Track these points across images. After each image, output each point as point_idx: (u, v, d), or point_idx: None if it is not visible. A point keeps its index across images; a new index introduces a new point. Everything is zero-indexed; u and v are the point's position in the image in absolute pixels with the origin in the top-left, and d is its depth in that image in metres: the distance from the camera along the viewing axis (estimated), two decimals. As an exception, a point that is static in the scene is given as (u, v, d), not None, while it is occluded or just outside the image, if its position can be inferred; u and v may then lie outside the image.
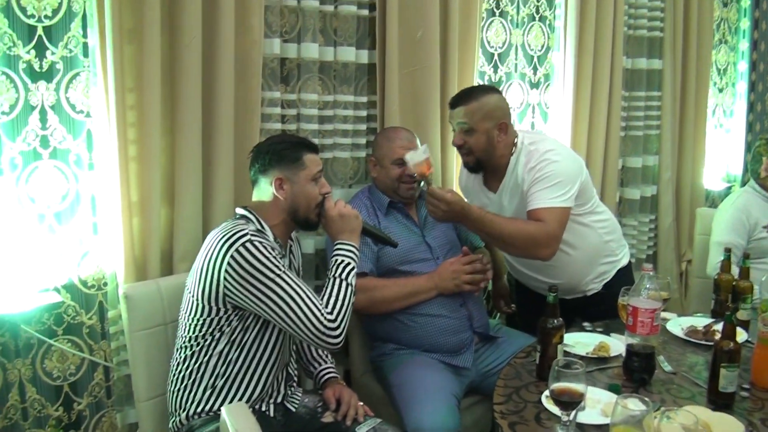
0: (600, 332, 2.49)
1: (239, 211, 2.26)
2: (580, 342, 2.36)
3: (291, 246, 2.37)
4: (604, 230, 2.81)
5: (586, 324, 2.56)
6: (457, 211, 2.48)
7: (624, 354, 2.14)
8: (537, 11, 3.83)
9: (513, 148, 2.67)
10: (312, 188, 2.25)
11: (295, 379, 2.40)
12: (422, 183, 2.56)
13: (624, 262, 2.89)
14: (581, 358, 2.21)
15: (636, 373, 2.08)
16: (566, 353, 2.17)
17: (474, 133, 2.62)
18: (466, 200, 2.58)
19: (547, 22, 3.88)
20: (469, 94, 2.66)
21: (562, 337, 2.10)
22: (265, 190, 2.23)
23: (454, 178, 3.27)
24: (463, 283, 2.63)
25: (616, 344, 2.31)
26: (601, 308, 2.61)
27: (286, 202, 2.22)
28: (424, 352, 2.64)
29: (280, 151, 2.22)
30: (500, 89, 2.78)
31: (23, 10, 2.30)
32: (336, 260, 2.19)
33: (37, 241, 2.42)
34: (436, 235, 2.82)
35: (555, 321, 2.08)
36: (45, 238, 2.44)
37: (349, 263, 2.18)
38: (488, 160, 2.68)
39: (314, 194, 2.25)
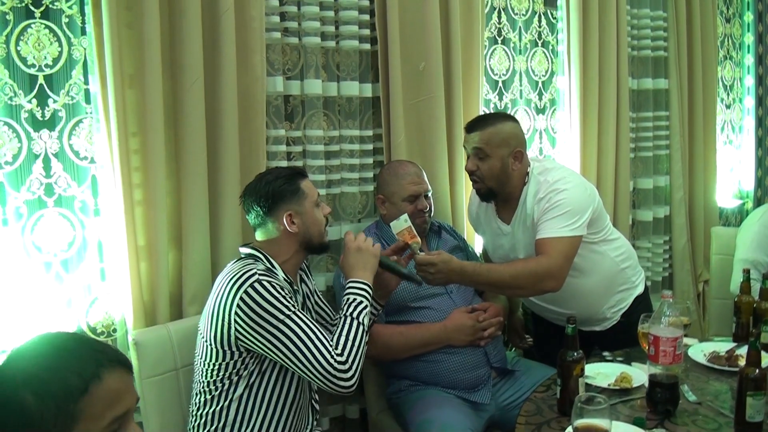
0: (621, 361, 2.42)
1: (245, 250, 2.23)
2: (601, 373, 2.30)
3: (301, 276, 2.34)
4: (620, 257, 2.75)
5: (606, 353, 2.50)
6: (452, 271, 2.40)
7: (647, 384, 2.08)
8: (539, 37, 3.82)
9: (526, 178, 2.63)
10: (318, 213, 2.24)
11: (318, 410, 2.36)
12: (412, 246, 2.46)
13: (640, 289, 2.83)
14: (603, 390, 2.16)
15: (660, 404, 2.01)
16: (588, 386, 2.12)
17: (488, 159, 2.58)
18: (455, 258, 2.47)
19: (550, 47, 3.87)
20: (486, 120, 2.64)
21: (582, 370, 2.04)
22: (273, 229, 2.20)
23: (464, 209, 3.23)
24: (478, 339, 2.59)
25: (638, 374, 2.25)
26: (621, 339, 2.56)
27: (299, 235, 2.20)
28: (441, 388, 2.58)
29: (280, 188, 2.18)
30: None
31: (23, 60, 2.30)
32: (348, 299, 2.15)
33: (45, 290, 2.40)
34: (448, 268, 2.75)
35: (575, 353, 2.03)
36: (52, 286, 2.42)
37: (361, 302, 2.14)
38: (500, 189, 2.63)
39: (321, 218, 2.25)
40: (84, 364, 1.15)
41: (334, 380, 1.98)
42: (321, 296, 2.49)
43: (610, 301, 2.75)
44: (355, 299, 2.14)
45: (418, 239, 2.43)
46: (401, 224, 2.44)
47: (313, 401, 2.32)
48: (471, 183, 2.72)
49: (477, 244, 3.31)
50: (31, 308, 2.35)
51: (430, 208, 2.79)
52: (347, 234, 2.27)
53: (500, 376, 2.69)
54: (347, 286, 2.19)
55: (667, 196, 4.37)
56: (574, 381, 2.03)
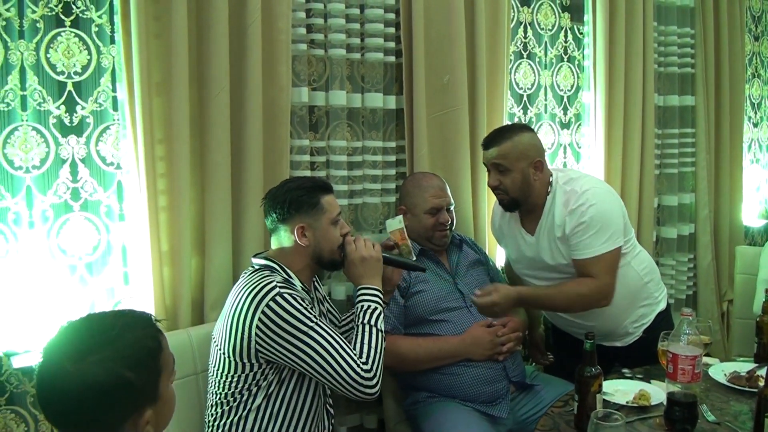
0: (640, 379, 2.40)
1: (258, 261, 2.21)
2: (620, 390, 2.28)
3: (314, 282, 2.35)
4: (643, 271, 2.73)
5: (625, 370, 2.48)
6: (511, 301, 2.52)
7: (665, 403, 2.06)
8: (565, 52, 3.82)
9: (549, 188, 2.63)
10: (333, 231, 2.23)
11: (333, 414, 2.36)
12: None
13: (663, 305, 2.80)
14: (621, 407, 2.14)
15: (678, 423, 1.99)
16: (605, 402, 2.11)
17: (509, 173, 2.58)
18: (509, 288, 2.58)
19: (576, 62, 3.87)
20: (501, 134, 2.63)
21: (600, 386, 2.03)
22: (285, 238, 2.20)
23: (486, 222, 3.23)
24: (496, 354, 2.58)
25: (657, 392, 2.23)
26: (642, 355, 2.53)
27: (309, 249, 2.19)
28: (459, 401, 2.57)
29: (298, 198, 2.18)
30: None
31: (53, 67, 2.37)
32: (362, 306, 2.16)
33: (69, 292, 2.45)
34: (468, 282, 2.75)
35: (593, 369, 2.01)
36: (76, 288, 2.47)
37: (375, 308, 2.15)
38: (525, 199, 2.63)
39: (336, 237, 2.23)
40: (145, 327, 1.37)
41: (361, 387, 2.00)
42: (329, 300, 2.51)
43: (633, 316, 2.72)
44: (369, 306, 2.15)
45: (408, 242, 2.46)
46: (395, 224, 2.47)
47: (327, 406, 2.31)
48: (494, 196, 2.73)
49: (499, 257, 3.31)
50: (55, 309, 2.40)
51: (452, 222, 2.78)
52: (348, 244, 2.25)
53: (519, 390, 2.68)
54: (359, 293, 2.20)
55: (692, 214, 4.33)
56: (591, 397, 2.02)
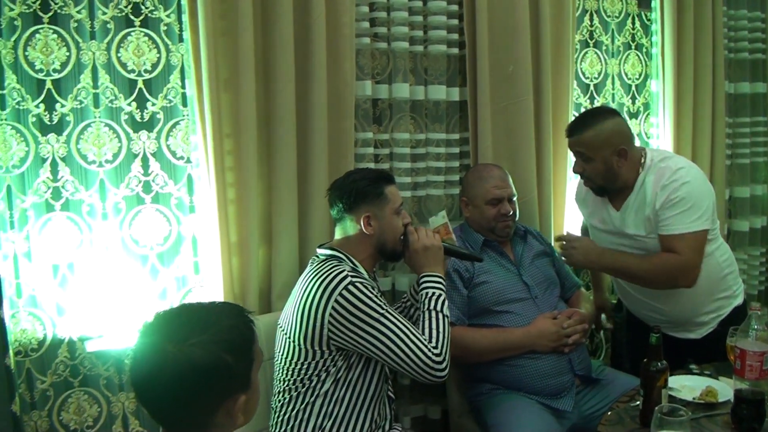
0: (708, 375, 2.35)
1: (324, 251, 2.26)
2: (687, 386, 2.24)
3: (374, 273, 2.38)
4: (725, 262, 2.68)
5: (693, 366, 2.43)
6: (592, 250, 2.55)
7: (732, 400, 2.03)
8: (633, 39, 3.75)
9: (640, 168, 2.57)
10: (396, 221, 2.27)
11: (394, 400, 2.39)
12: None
13: (740, 299, 2.73)
14: (687, 403, 2.10)
15: (745, 421, 1.95)
16: (671, 398, 2.07)
17: (591, 161, 2.54)
18: (592, 242, 2.58)
19: (644, 50, 3.79)
20: (584, 122, 2.58)
21: (666, 381, 2.00)
22: (351, 227, 2.25)
23: (551, 215, 3.22)
24: (561, 346, 2.55)
25: (725, 389, 2.18)
26: (715, 349, 2.46)
27: (373, 237, 2.24)
28: (523, 393, 2.56)
29: (364, 188, 2.23)
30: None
31: (124, 65, 2.47)
32: (426, 293, 2.19)
33: (141, 281, 2.55)
34: (533, 273, 2.74)
35: (659, 364, 1.99)
36: (148, 277, 2.57)
37: (440, 295, 2.18)
38: (611, 186, 2.59)
39: (399, 226, 2.28)
40: (240, 316, 1.43)
41: (432, 371, 2.04)
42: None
43: (710, 306, 2.65)
44: (434, 293, 2.18)
45: (453, 237, 2.46)
46: (439, 220, 2.48)
47: (389, 392, 2.34)
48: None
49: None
50: (127, 298, 2.51)
51: (514, 213, 2.76)
52: (410, 234, 2.29)
53: (584, 384, 2.65)
54: (422, 281, 2.23)
55: (764, 206, 4.20)
56: (657, 392, 1.99)
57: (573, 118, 2.78)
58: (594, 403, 2.60)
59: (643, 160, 2.57)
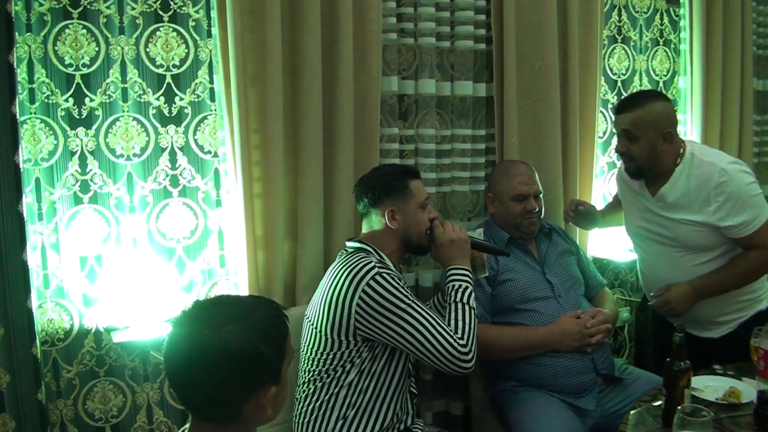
0: (731, 376, 2.34)
1: (352, 244, 2.30)
2: (710, 386, 2.23)
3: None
4: None
5: (716, 367, 2.42)
6: (685, 296, 2.52)
7: (756, 401, 2.02)
8: (661, 35, 3.72)
9: (679, 159, 2.56)
10: (421, 215, 2.29)
11: (417, 394, 2.40)
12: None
13: (764, 305, 2.70)
14: (710, 404, 2.09)
15: (768, 422, 1.96)
16: (694, 398, 2.07)
17: (637, 141, 2.52)
18: (678, 284, 2.55)
19: (672, 46, 3.76)
20: (634, 101, 2.56)
21: (689, 381, 1.99)
22: (376, 221, 2.29)
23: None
24: (584, 345, 2.54)
25: (748, 390, 2.16)
26: (737, 350, 2.44)
27: (398, 231, 2.26)
28: (545, 391, 2.56)
29: (389, 183, 2.27)
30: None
31: (152, 60, 2.49)
32: (453, 285, 2.20)
33: (167, 273, 2.58)
34: (558, 271, 2.73)
35: (681, 363, 1.98)
36: (174, 269, 2.59)
37: (467, 287, 2.20)
38: (650, 168, 2.57)
39: (424, 221, 2.30)
40: (275, 309, 1.45)
41: (458, 361, 2.05)
42: None
43: (733, 307, 2.64)
44: (460, 285, 2.20)
45: (484, 256, 2.45)
46: (474, 236, 2.45)
47: (412, 387, 2.36)
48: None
49: (590, 246, 3.28)
50: (153, 290, 2.54)
51: (540, 210, 2.75)
52: (436, 227, 2.30)
53: (607, 383, 2.64)
54: (449, 273, 2.24)
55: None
56: (679, 392, 1.98)
57: (618, 101, 2.78)
58: (616, 402, 2.59)
59: (682, 150, 2.56)
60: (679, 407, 1.73)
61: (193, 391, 1.36)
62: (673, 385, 1.99)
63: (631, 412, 2.16)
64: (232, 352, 1.31)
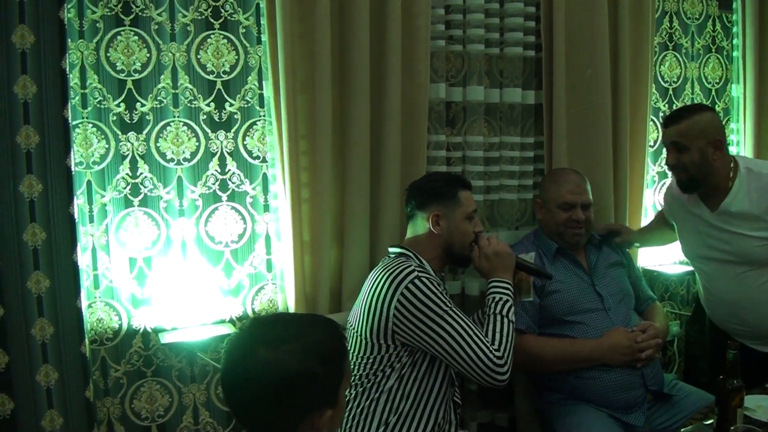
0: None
1: (394, 249, 2.31)
2: (762, 406, 2.16)
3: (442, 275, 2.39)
4: None
5: (768, 386, 2.37)
6: None
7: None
8: (713, 42, 3.65)
9: (732, 173, 2.54)
10: (467, 226, 2.29)
11: (461, 404, 2.39)
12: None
13: None
14: (762, 424, 2.04)
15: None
16: (746, 418, 2.01)
17: (687, 151, 2.51)
18: None
19: (725, 53, 3.69)
20: (681, 113, 2.57)
21: (742, 400, 1.95)
22: (420, 225, 2.29)
23: (627, 219, 3.15)
24: (634, 361, 2.48)
25: (804, 410, 2.12)
26: None
27: (441, 238, 2.26)
28: (593, 405, 2.51)
29: (438, 188, 2.28)
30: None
31: (203, 67, 2.52)
32: (493, 297, 2.19)
33: (215, 276, 2.61)
34: (607, 284, 2.68)
35: (734, 382, 1.93)
36: (222, 273, 2.62)
37: (507, 300, 2.18)
38: (704, 179, 2.54)
39: (469, 232, 2.29)
40: (333, 330, 1.44)
41: (492, 374, 2.03)
42: None
43: None
44: (501, 298, 2.18)
45: (530, 280, 2.42)
46: (524, 257, 2.43)
47: (455, 397, 2.34)
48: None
49: (641, 259, 3.22)
50: (201, 293, 2.57)
51: (588, 221, 2.70)
52: (481, 239, 2.29)
53: (656, 399, 2.59)
54: (491, 285, 2.22)
55: None
56: (732, 411, 1.94)
57: (666, 115, 2.77)
58: (666, 419, 2.55)
59: (733, 165, 2.55)
60: (732, 428, 1.69)
61: (247, 410, 1.36)
62: (726, 404, 1.95)
63: (682, 430, 2.13)
64: (287, 374, 1.31)
